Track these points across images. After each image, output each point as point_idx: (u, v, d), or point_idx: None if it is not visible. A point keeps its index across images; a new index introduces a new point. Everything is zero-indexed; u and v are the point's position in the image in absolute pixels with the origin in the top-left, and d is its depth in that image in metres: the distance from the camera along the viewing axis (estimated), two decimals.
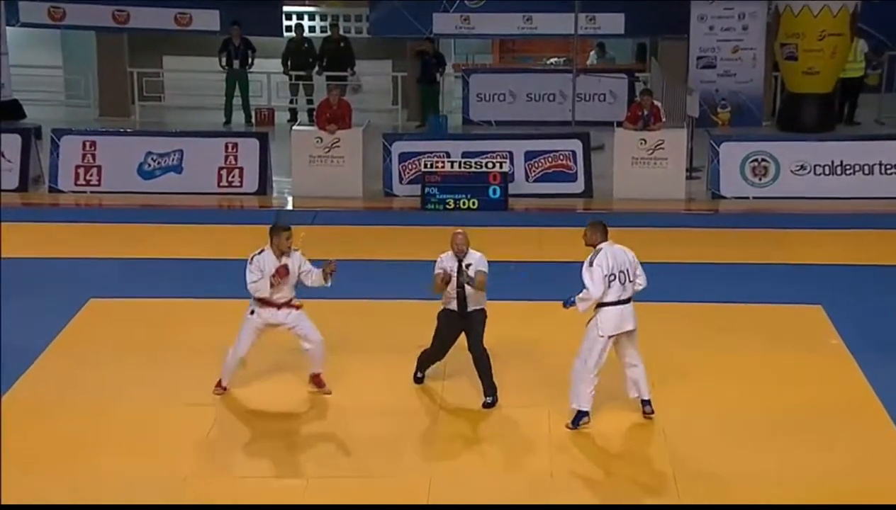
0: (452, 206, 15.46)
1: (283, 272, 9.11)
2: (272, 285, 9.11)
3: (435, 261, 9.41)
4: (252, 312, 9.32)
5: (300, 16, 22.23)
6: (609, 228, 9.13)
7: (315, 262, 9.40)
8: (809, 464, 8.45)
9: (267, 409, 9.35)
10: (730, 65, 19.59)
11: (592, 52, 23.49)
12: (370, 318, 10.87)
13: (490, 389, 9.45)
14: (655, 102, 16.12)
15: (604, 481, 8.32)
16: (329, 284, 9.29)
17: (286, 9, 21.22)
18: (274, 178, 16.65)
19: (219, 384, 9.56)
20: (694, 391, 9.62)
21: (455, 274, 9.25)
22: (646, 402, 9.05)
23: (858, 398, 9.46)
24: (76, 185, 16.32)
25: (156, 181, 16.30)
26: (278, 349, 10.03)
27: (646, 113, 15.89)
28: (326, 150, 16.09)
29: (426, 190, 15.60)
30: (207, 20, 20.31)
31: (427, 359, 9.78)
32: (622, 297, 8.75)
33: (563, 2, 18.87)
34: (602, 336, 8.78)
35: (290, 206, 16.21)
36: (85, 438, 8.78)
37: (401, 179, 16.23)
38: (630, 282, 8.80)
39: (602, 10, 19.92)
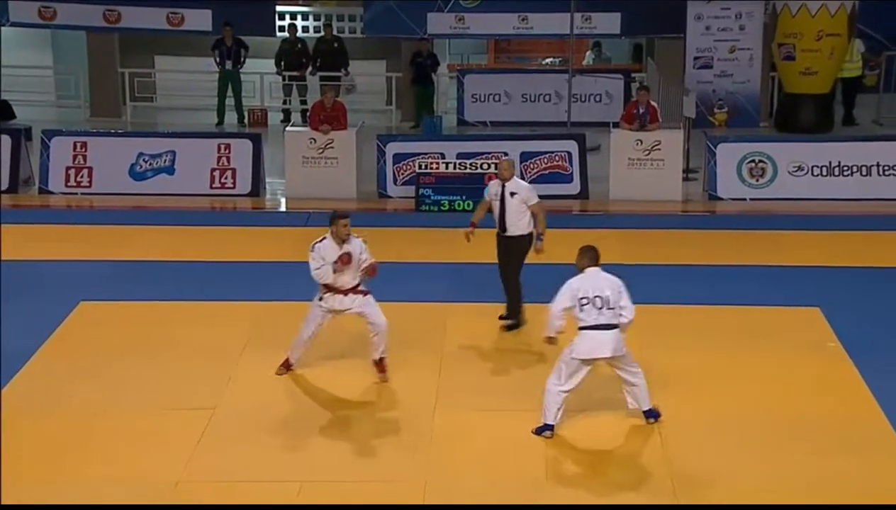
0: (447, 207, 15.35)
1: (346, 259, 9.31)
2: (335, 271, 9.27)
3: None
4: (320, 299, 9.47)
5: (293, 16, 22.12)
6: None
7: None
8: (806, 466, 8.37)
9: (259, 413, 9.21)
10: (727, 65, 19.49)
11: (589, 52, 23.40)
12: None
13: (513, 312, 10.49)
14: (652, 102, 16.03)
15: (598, 483, 8.21)
16: (365, 279, 9.49)
17: (279, 8, 21.10)
18: (267, 180, 16.56)
19: (284, 363, 9.76)
20: (690, 392, 9.54)
21: (496, 199, 10.44)
22: (646, 413, 8.95)
23: (856, 401, 9.40)
24: (67, 186, 16.21)
25: (147, 182, 16.19)
26: (278, 351, 9.95)
27: (642, 110, 15.79)
28: (320, 151, 15.98)
29: (420, 191, 15.50)
30: (200, 20, 20.16)
31: (506, 290, 10.61)
32: (600, 322, 8.62)
33: (559, 1, 18.78)
34: (574, 358, 8.68)
35: (283, 208, 16.11)
36: (75, 443, 8.68)
37: (395, 180, 16.12)
38: (610, 308, 8.65)
39: (598, 10, 19.84)
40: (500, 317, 10.76)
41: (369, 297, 9.52)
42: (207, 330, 10.87)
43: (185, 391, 9.56)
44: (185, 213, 15.25)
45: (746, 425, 8.98)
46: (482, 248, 13.67)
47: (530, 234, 10.61)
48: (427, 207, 15.38)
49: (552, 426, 8.79)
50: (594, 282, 8.70)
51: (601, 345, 8.61)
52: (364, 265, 9.44)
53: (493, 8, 19.99)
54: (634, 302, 8.89)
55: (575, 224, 14.29)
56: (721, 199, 15.94)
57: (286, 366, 9.85)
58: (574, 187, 16.12)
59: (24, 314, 11.10)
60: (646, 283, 11.55)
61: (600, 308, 8.61)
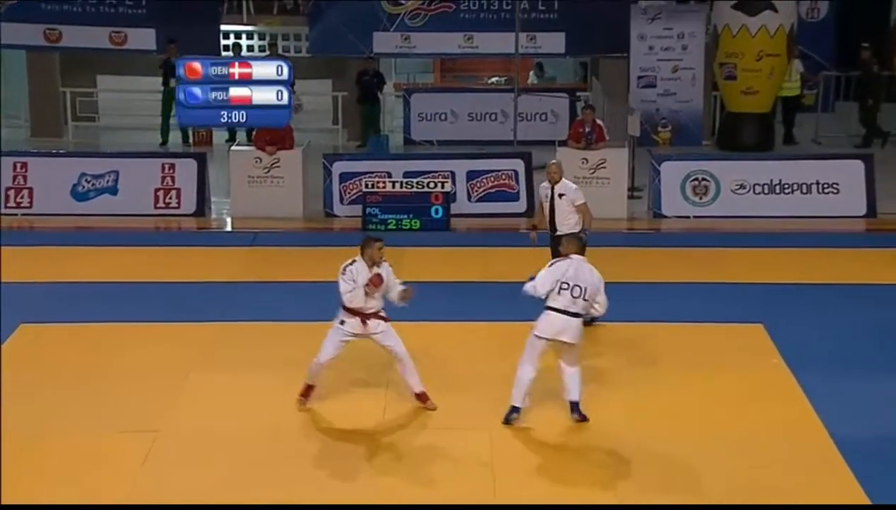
0: (394, 226, 15.35)
1: (377, 281, 9.18)
2: (366, 294, 9.15)
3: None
4: (342, 322, 9.31)
5: (238, 35, 22.03)
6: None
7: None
8: (746, 481, 8.40)
9: (206, 435, 9.09)
10: (670, 84, 19.78)
11: (532, 72, 23.58)
12: (314, 341, 10.68)
13: None
14: (598, 120, 16.16)
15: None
16: (403, 305, 9.39)
17: (223, 28, 21.02)
18: (212, 199, 16.45)
19: (303, 393, 9.50)
20: (633, 410, 9.56)
21: (546, 201, 11.26)
22: (574, 404, 9.13)
23: (798, 417, 9.48)
24: (6, 207, 15.98)
25: (90, 203, 16.01)
26: (225, 373, 9.82)
27: (588, 129, 15.91)
28: (266, 170, 15.91)
29: (367, 210, 15.48)
30: (143, 39, 20.02)
31: None
32: (570, 309, 8.88)
33: (504, 21, 18.92)
34: (537, 336, 8.93)
35: (228, 228, 15.99)
36: (16, 470, 8.46)
37: (342, 200, 16.09)
38: (585, 300, 8.92)
39: (542, 30, 20.02)
40: None
41: (389, 326, 9.36)
42: (152, 351, 10.74)
43: (129, 413, 9.40)
44: (129, 234, 15.08)
45: (687, 441, 9.01)
46: (429, 267, 13.71)
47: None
48: (374, 226, 15.36)
49: (517, 408, 9.02)
50: (578, 270, 8.94)
51: (563, 329, 8.88)
52: (401, 292, 9.31)
53: (438, 27, 20.09)
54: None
55: (522, 242, 14.25)
56: (665, 216, 16.11)
57: (306, 395, 9.54)
58: (520, 205, 16.21)
59: None
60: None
61: (576, 297, 8.87)
